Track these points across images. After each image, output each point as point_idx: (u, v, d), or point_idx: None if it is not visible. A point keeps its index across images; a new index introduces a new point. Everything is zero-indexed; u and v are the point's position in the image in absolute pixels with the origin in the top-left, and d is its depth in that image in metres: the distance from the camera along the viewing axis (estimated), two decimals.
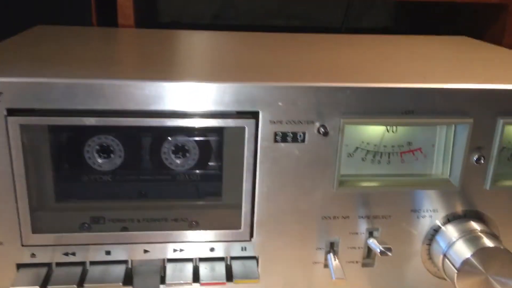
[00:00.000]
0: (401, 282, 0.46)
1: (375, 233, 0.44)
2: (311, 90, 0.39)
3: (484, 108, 0.41)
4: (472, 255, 0.40)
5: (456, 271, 0.41)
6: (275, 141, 0.40)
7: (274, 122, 0.39)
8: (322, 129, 0.40)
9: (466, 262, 0.40)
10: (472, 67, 0.50)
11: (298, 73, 0.45)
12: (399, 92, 0.40)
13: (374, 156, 0.43)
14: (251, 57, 0.51)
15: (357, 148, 0.43)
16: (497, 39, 1.04)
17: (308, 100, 0.39)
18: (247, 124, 0.38)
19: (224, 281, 0.40)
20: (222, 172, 0.40)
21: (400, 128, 0.43)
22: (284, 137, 0.40)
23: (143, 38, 0.60)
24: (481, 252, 0.40)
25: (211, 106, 0.38)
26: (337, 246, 0.44)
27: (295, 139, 0.40)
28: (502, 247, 0.41)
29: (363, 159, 0.43)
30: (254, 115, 0.39)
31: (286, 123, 0.39)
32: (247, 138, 0.38)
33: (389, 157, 0.44)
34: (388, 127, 0.43)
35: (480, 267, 0.40)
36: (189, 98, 0.38)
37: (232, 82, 0.38)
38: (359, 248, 0.44)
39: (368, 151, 0.43)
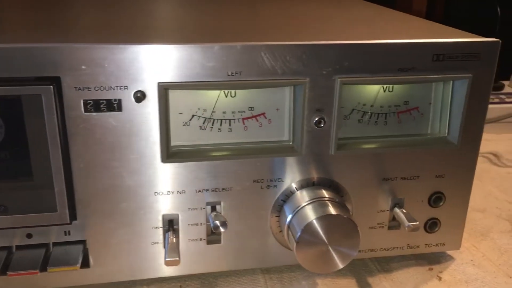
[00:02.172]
0: (254, 257, 0.42)
1: (218, 207, 0.41)
2: (120, 51, 0.34)
3: (320, 66, 0.37)
4: (312, 222, 0.37)
5: (296, 239, 0.38)
6: (87, 110, 0.35)
7: (81, 89, 0.35)
8: (138, 95, 0.36)
9: (305, 229, 0.37)
10: (332, 26, 0.47)
11: (108, 32, 0.40)
12: (225, 51, 0.36)
13: (213, 124, 0.39)
14: (50, 15, 0.46)
15: (193, 116, 0.39)
16: (406, 6, 1.03)
17: (118, 63, 0.34)
18: (43, 92, 0.33)
19: (36, 270, 0.36)
20: (28, 148, 0.35)
21: (238, 92, 0.39)
22: (96, 106, 0.35)
23: None
24: (322, 220, 0.38)
25: (6, 71, 0.33)
26: (177, 224, 0.40)
27: (110, 107, 0.36)
28: (345, 216, 0.38)
29: (201, 128, 0.39)
30: (54, 81, 0.34)
31: (96, 89, 0.35)
32: (46, 107, 0.33)
33: (230, 124, 0.40)
34: (225, 91, 0.40)
35: (320, 236, 0.37)
36: None
37: (26, 44, 0.33)
38: (201, 224, 0.40)
39: (205, 118, 0.39)
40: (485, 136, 0.43)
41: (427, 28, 0.46)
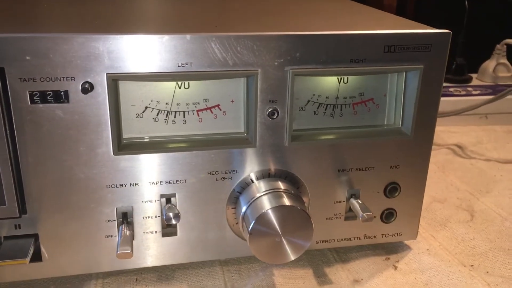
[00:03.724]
0: (212, 249, 0.42)
1: (173, 200, 0.40)
2: (64, 40, 0.33)
3: (271, 57, 0.37)
4: (265, 213, 0.37)
5: (249, 230, 0.38)
6: (33, 102, 0.35)
7: (26, 80, 0.34)
8: (86, 86, 0.35)
9: (258, 220, 0.37)
10: (294, 17, 0.47)
11: (53, 23, 0.39)
12: (174, 41, 0.35)
13: (167, 116, 0.39)
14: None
15: (146, 108, 0.38)
16: (377, 1, 1.03)
17: (63, 53, 0.34)
18: None
19: None
20: None
21: (193, 83, 0.39)
22: (43, 97, 0.35)
23: None
24: (275, 211, 0.38)
25: None
26: (131, 216, 0.40)
27: (57, 99, 0.35)
28: (299, 207, 0.38)
29: (154, 120, 0.39)
30: None
31: (41, 80, 0.34)
32: None
33: (184, 116, 0.39)
34: (179, 83, 0.39)
35: (274, 226, 0.37)
36: None
37: None
38: (156, 216, 0.40)
39: (159, 110, 0.39)
40: (450, 128, 0.43)
41: (380, 19, 0.46)
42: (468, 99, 0.82)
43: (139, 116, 0.39)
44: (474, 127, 0.80)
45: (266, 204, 0.38)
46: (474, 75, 0.94)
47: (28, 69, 0.34)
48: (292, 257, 0.38)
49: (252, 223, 0.38)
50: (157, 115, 0.39)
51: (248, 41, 0.36)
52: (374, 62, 0.39)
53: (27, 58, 0.33)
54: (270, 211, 0.38)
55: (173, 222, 0.37)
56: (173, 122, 0.40)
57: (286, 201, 0.38)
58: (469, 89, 0.87)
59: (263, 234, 0.38)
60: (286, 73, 0.38)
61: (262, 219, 0.38)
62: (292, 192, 0.40)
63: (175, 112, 0.39)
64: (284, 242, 0.38)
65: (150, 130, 0.39)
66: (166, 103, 0.39)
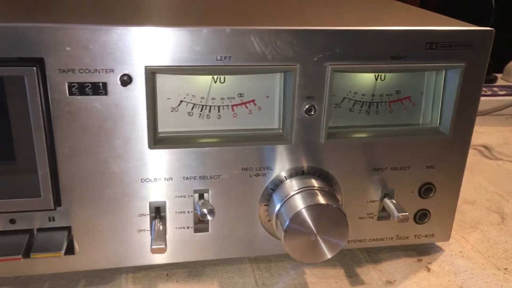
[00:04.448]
0: (242, 246, 0.42)
1: (206, 195, 0.40)
2: (106, 32, 0.33)
3: (311, 53, 0.36)
4: (300, 211, 0.37)
5: (284, 228, 0.37)
6: (71, 93, 0.34)
7: (65, 71, 0.34)
8: (124, 79, 0.35)
9: (293, 218, 0.37)
10: (330, 13, 0.46)
11: (94, 14, 0.39)
12: (213, 35, 0.35)
13: (202, 110, 0.39)
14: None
15: (181, 101, 0.38)
16: None
17: (104, 45, 0.33)
18: (26, 73, 0.32)
19: (19, 256, 0.35)
20: (11, 131, 0.34)
21: (228, 78, 0.38)
22: (81, 89, 0.34)
23: None
24: (311, 209, 0.37)
25: None
26: (164, 211, 0.40)
27: (95, 90, 0.35)
28: (334, 206, 0.38)
29: (189, 114, 0.38)
30: (37, 62, 0.33)
31: (80, 71, 0.34)
32: (29, 89, 0.32)
33: (219, 111, 0.39)
34: (215, 77, 0.39)
35: (309, 225, 0.37)
36: None
37: (10, 23, 0.32)
38: (189, 212, 0.40)
39: (194, 104, 0.38)
40: (477, 128, 0.42)
41: (421, 16, 0.45)
42: (494, 99, 0.81)
43: (174, 110, 0.38)
44: (500, 128, 0.79)
45: (301, 202, 0.38)
46: (499, 75, 0.93)
47: (68, 60, 0.33)
48: (328, 256, 0.37)
49: (287, 222, 0.37)
50: (192, 109, 0.39)
51: (288, 35, 0.36)
52: (414, 59, 0.38)
53: (67, 49, 0.33)
54: (305, 210, 0.37)
55: (208, 218, 0.37)
56: (208, 117, 0.39)
57: (321, 199, 0.38)
58: (495, 89, 0.86)
59: (298, 233, 0.37)
60: (325, 69, 0.37)
61: (297, 218, 0.37)
62: (326, 190, 0.39)
63: (210, 106, 0.39)
64: (319, 240, 0.37)
65: (185, 124, 0.39)
66: (201, 97, 0.39)
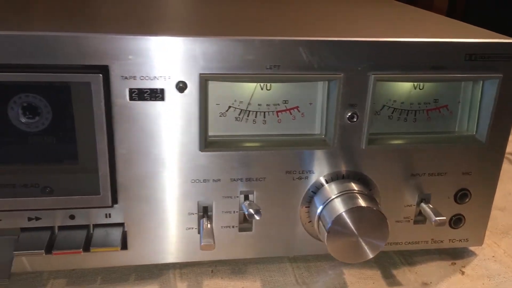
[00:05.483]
0: (283, 246, 0.44)
1: (251, 196, 0.42)
2: (165, 42, 0.36)
3: (355, 63, 0.38)
4: (342, 214, 0.39)
5: (326, 231, 0.39)
6: (132, 99, 0.37)
7: (127, 78, 0.36)
8: (180, 86, 0.37)
9: (336, 220, 0.39)
10: (366, 23, 0.48)
11: (152, 25, 0.42)
12: (264, 45, 0.37)
13: (248, 116, 0.41)
14: (103, 9, 0.48)
15: (229, 107, 0.40)
16: (428, 4, 1.03)
17: (163, 53, 0.36)
18: (92, 79, 0.35)
19: (80, 249, 0.38)
20: (75, 133, 0.37)
21: (274, 85, 0.40)
22: (140, 95, 0.37)
23: None
24: (352, 212, 0.39)
25: (56, 59, 0.35)
26: (211, 211, 0.42)
27: (153, 96, 0.37)
28: (374, 208, 0.39)
29: (236, 119, 0.41)
30: (103, 69, 0.35)
31: (141, 78, 0.36)
32: (94, 94, 0.35)
33: (265, 116, 0.41)
34: (261, 84, 0.41)
35: (351, 227, 0.39)
36: (34, 50, 0.34)
37: (78, 33, 0.35)
38: (234, 212, 0.42)
39: (242, 110, 0.40)
40: None
41: (458, 28, 0.47)
42: None
43: (222, 115, 0.41)
44: None
45: (342, 205, 0.40)
46: None
47: (130, 68, 0.36)
48: (370, 256, 0.39)
49: (329, 224, 0.39)
50: (239, 114, 0.41)
51: (334, 46, 0.38)
52: (454, 70, 0.40)
53: (130, 57, 0.35)
54: (346, 213, 0.39)
55: (256, 217, 0.39)
56: (254, 122, 0.41)
57: (362, 202, 0.39)
58: None
59: (340, 234, 0.39)
60: (368, 78, 0.39)
61: (339, 220, 0.39)
62: (366, 193, 0.41)
63: (256, 112, 0.41)
64: (361, 242, 0.39)
65: (232, 128, 0.41)
66: (248, 104, 0.41)
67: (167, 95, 0.37)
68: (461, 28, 0.47)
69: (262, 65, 0.37)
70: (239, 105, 0.41)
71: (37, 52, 0.34)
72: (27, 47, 0.34)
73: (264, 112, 0.41)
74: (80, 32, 0.35)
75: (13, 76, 0.35)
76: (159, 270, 0.43)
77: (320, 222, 0.40)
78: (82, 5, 0.49)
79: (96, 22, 0.42)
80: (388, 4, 0.62)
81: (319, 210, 0.41)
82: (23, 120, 0.37)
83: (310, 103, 0.42)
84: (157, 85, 0.37)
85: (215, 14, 0.49)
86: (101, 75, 0.35)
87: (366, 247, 0.39)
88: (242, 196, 0.41)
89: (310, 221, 0.43)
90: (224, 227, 0.42)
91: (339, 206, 0.40)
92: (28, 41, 0.34)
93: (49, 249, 0.37)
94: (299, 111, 0.42)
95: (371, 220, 0.39)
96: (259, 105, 0.41)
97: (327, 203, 0.40)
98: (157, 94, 0.37)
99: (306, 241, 0.44)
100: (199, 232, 0.42)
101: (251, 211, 0.39)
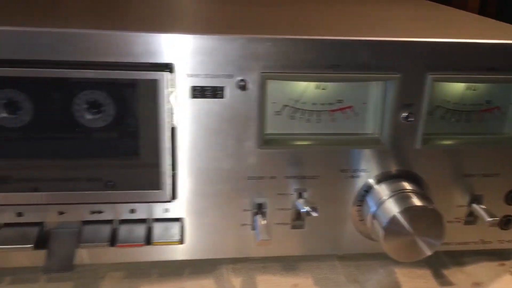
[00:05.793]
0: (333, 244, 0.44)
1: (304, 194, 0.42)
2: (229, 41, 0.37)
3: (413, 63, 0.39)
4: (398, 213, 0.39)
5: (382, 231, 0.40)
6: (193, 96, 0.38)
7: (191, 76, 0.37)
8: (241, 84, 0.38)
9: (392, 220, 0.39)
10: (415, 25, 0.48)
11: (215, 25, 0.43)
12: (323, 45, 0.38)
13: (303, 115, 0.42)
14: (168, 8, 0.49)
15: (285, 106, 0.41)
16: (462, 5, 1.03)
17: (226, 52, 0.37)
18: (160, 77, 0.36)
19: (142, 242, 0.39)
20: (138, 129, 0.38)
21: (330, 85, 0.41)
22: (202, 92, 0.38)
23: None
24: (408, 211, 0.39)
25: (123, 57, 0.36)
26: (265, 208, 0.42)
27: (214, 94, 0.38)
28: (430, 207, 0.40)
29: (291, 118, 0.42)
30: (169, 67, 0.36)
31: (204, 76, 0.37)
32: (161, 92, 0.36)
33: (318, 115, 0.42)
34: (318, 84, 0.42)
35: (407, 226, 0.39)
36: (100, 48, 0.36)
37: (145, 32, 0.36)
38: (288, 209, 0.43)
39: (296, 109, 0.42)
40: None
41: (505, 29, 0.47)
42: None
43: (277, 114, 0.41)
44: None
45: (398, 204, 0.40)
46: None
47: (195, 66, 0.37)
48: (427, 253, 0.39)
49: (385, 224, 0.39)
50: (294, 113, 0.42)
51: (392, 46, 0.38)
52: (507, 71, 0.40)
53: (195, 56, 0.36)
54: (402, 212, 0.39)
55: (314, 214, 0.39)
56: (308, 121, 0.42)
57: (418, 201, 0.40)
58: None
59: (396, 234, 0.39)
60: (425, 79, 0.39)
61: (395, 219, 0.39)
62: (420, 192, 0.41)
63: (311, 111, 0.42)
64: (417, 240, 0.39)
65: (286, 127, 0.42)
66: (303, 103, 0.41)
67: (227, 92, 0.38)
68: (504, 29, 0.47)
69: (321, 65, 0.38)
70: (294, 104, 0.41)
71: (106, 50, 0.36)
72: (97, 45, 0.35)
73: (319, 111, 0.42)
74: (148, 32, 0.36)
75: (80, 73, 0.36)
76: (211, 265, 0.44)
77: (374, 221, 0.41)
78: (146, 5, 0.50)
79: (162, 22, 0.43)
80: (424, 5, 0.63)
81: (373, 210, 0.41)
82: (88, 116, 0.38)
83: (364, 103, 0.42)
84: (218, 83, 0.37)
85: (271, 15, 0.49)
86: (168, 72, 0.36)
87: (422, 246, 0.39)
88: (296, 194, 0.42)
89: (361, 220, 0.43)
90: (278, 224, 0.43)
91: (395, 206, 0.40)
92: (98, 39, 0.35)
93: (112, 241, 0.39)
94: (352, 111, 0.42)
95: (427, 219, 0.39)
96: (313, 104, 0.42)
97: (382, 202, 0.41)
98: (218, 92, 0.38)
99: (355, 240, 0.45)
100: (253, 229, 0.42)
101: (309, 208, 0.40)
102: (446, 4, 0.67)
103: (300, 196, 0.42)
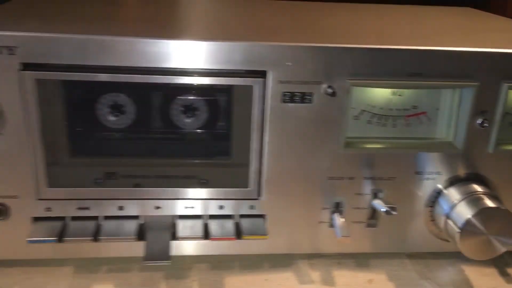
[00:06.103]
0: (403, 243, 0.47)
1: (380, 195, 0.45)
2: (319, 50, 0.39)
3: (489, 72, 0.41)
4: (473, 216, 0.41)
5: (458, 232, 0.42)
6: (283, 101, 0.41)
7: (283, 82, 0.40)
8: (329, 90, 0.40)
9: (467, 222, 0.41)
10: (476, 33, 0.50)
11: (307, 35, 0.45)
12: (406, 54, 0.40)
13: (379, 119, 0.44)
14: (261, 20, 0.52)
15: (363, 111, 0.44)
16: (500, 10, 1.04)
17: (316, 60, 0.39)
18: (255, 83, 0.39)
19: (234, 236, 0.42)
20: (231, 131, 0.41)
21: (406, 91, 0.44)
22: (292, 97, 0.41)
23: None
24: (482, 212, 0.42)
25: (220, 64, 0.39)
26: (342, 206, 0.45)
27: (303, 99, 0.41)
28: (503, 207, 0.42)
29: (369, 122, 0.44)
30: (263, 74, 0.39)
31: (294, 83, 0.40)
32: (255, 97, 0.39)
33: (394, 120, 0.45)
34: (395, 90, 0.44)
35: (481, 227, 0.42)
36: (199, 57, 0.39)
37: (241, 41, 0.39)
38: (363, 208, 0.45)
39: (373, 114, 0.44)
40: None
41: None
42: None
43: (356, 118, 0.44)
44: None
45: (472, 206, 0.42)
46: None
47: (287, 73, 0.40)
48: (500, 251, 0.42)
49: (461, 225, 0.42)
50: (371, 118, 0.44)
51: (472, 56, 0.41)
52: None
53: (288, 64, 0.39)
54: (477, 213, 0.41)
55: (393, 213, 0.42)
56: (384, 125, 0.44)
57: (491, 203, 0.42)
58: None
59: (471, 234, 0.42)
60: (501, 87, 0.41)
61: (470, 221, 0.42)
62: (492, 194, 0.44)
63: (387, 116, 0.44)
64: (491, 240, 0.41)
65: (364, 131, 0.44)
66: (380, 108, 0.44)
67: (315, 98, 0.41)
68: None
69: (403, 73, 0.41)
70: (371, 109, 0.44)
71: (204, 58, 0.39)
72: (201, 53, 0.38)
73: (395, 117, 0.44)
74: (244, 41, 0.39)
75: (179, 79, 0.39)
76: (288, 259, 0.46)
77: (448, 222, 0.43)
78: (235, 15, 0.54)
79: (258, 33, 0.46)
80: (474, 13, 0.65)
81: (447, 211, 0.43)
82: (184, 119, 0.41)
83: (437, 109, 0.44)
84: (308, 89, 0.40)
85: (355, 28, 0.52)
86: (263, 79, 0.39)
87: (496, 245, 0.41)
88: (373, 194, 0.45)
89: (432, 220, 0.46)
90: (353, 222, 0.45)
91: (468, 208, 0.42)
92: (205, 48, 0.38)
93: (206, 235, 0.42)
94: (426, 116, 0.45)
95: (500, 219, 0.41)
96: (390, 109, 0.44)
97: (456, 204, 0.43)
98: (306, 98, 0.40)
99: (424, 239, 0.47)
100: (330, 226, 0.45)
101: (389, 208, 0.42)
102: (484, 9, 0.69)
103: (375, 196, 0.45)
